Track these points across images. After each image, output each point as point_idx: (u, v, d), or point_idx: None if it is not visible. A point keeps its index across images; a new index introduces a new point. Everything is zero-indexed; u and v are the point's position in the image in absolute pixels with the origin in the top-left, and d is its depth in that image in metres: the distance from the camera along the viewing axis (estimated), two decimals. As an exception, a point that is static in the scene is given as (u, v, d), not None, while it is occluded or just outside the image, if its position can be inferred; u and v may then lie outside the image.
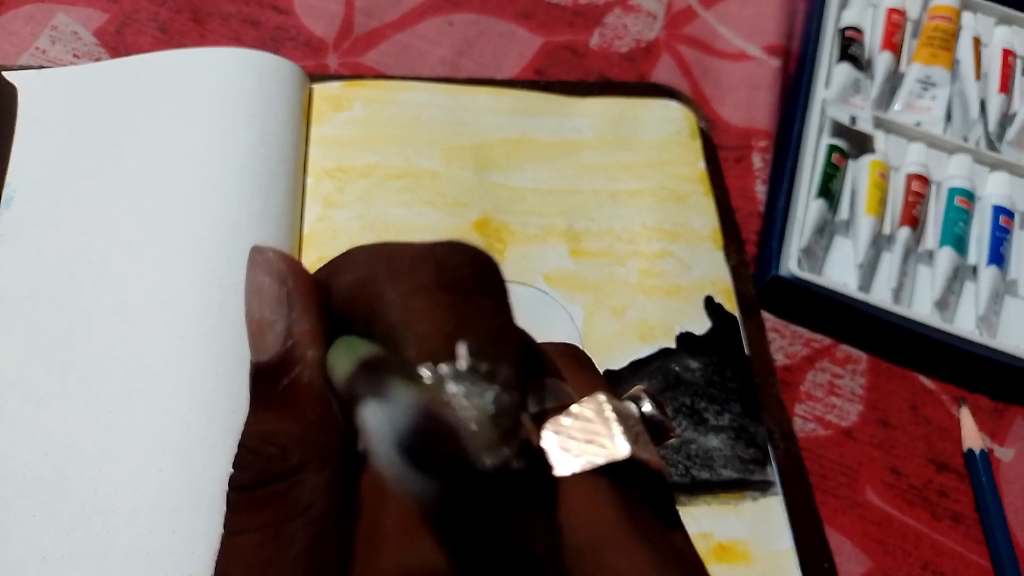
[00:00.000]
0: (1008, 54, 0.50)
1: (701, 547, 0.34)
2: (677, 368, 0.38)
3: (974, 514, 0.38)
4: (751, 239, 0.44)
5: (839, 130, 0.46)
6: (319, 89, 0.43)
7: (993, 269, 0.42)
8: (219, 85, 0.39)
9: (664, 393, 0.38)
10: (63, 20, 0.44)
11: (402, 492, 0.11)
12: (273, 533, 0.14)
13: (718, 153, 0.46)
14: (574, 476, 0.15)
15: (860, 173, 0.45)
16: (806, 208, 0.43)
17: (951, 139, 0.47)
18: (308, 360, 0.15)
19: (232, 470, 0.16)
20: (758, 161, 0.47)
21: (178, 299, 0.33)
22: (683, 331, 0.39)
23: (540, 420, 0.16)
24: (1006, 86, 0.49)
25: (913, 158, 0.46)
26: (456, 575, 0.13)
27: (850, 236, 0.44)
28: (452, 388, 0.13)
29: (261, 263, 0.16)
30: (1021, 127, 0.48)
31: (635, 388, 0.18)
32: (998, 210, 0.44)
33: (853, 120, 0.46)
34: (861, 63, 0.48)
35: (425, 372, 0.14)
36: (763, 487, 0.36)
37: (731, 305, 0.41)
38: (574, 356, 0.19)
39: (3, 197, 0.36)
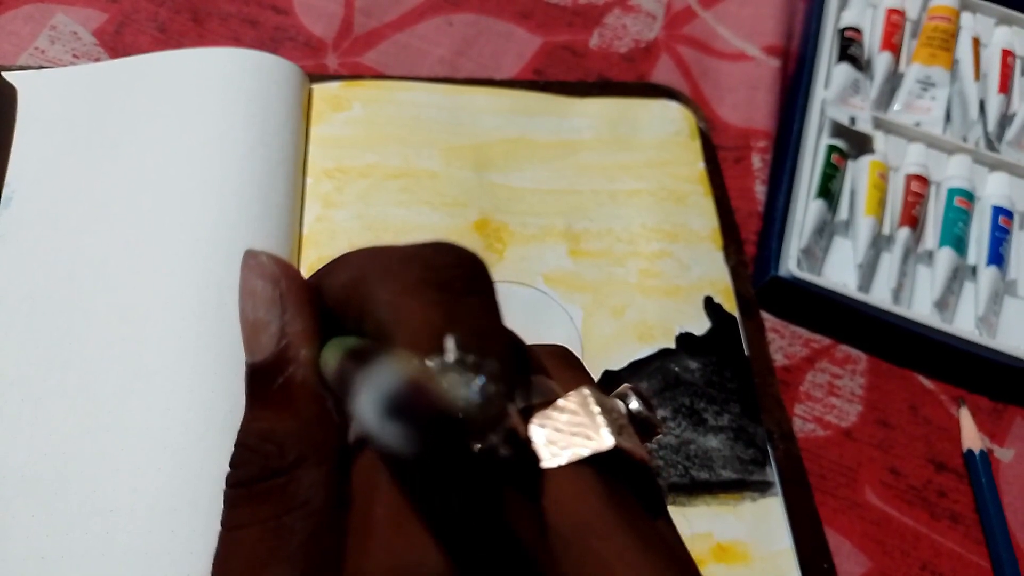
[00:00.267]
0: (1007, 54, 0.50)
1: (701, 547, 0.35)
2: (676, 368, 0.38)
3: (973, 514, 0.38)
4: (750, 239, 0.44)
5: (838, 130, 0.46)
6: (318, 89, 0.43)
7: (992, 269, 0.42)
8: (218, 85, 0.39)
9: (663, 393, 0.38)
10: (62, 20, 0.44)
11: (388, 450, 0.11)
12: (272, 527, 0.15)
13: (717, 153, 0.46)
14: (560, 467, 0.15)
15: (859, 173, 0.45)
16: (805, 208, 0.43)
17: (950, 139, 0.47)
18: (302, 359, 0.16)
19: (230, 468, 0.16)
20: (757, 161, 0.47)
21: (177, 299, 0.33)
22: (682, 331, 0.39)
23: (527, 415, 0.16)
24: (1005, 86, 0.49)
25: (912, 158, 0.46)
26: (445, 563, 0.13)
27: (849, 236, 0.44)
28: (439, 378, 0.14)
29: (254, 266, 0.16)
30: (1020, 127, 0.48)
31: (623, 386, 0.18)
32: (997, 210, 0.44)
33: (852, 120, 0.46)
34: (860, 63, 0.48)
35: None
36: (762, 487, 0.36)
37: (730, 305, 0.41)
38: (562, 356, 0.19)
39: (2, 197, 0.36)
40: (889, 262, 0.43)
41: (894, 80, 0.50)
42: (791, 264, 0.41)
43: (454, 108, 0.44)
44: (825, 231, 0.43)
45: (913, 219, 0.43)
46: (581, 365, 0.19)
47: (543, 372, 0.17)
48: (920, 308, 0.42)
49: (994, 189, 0.46)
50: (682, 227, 0.43)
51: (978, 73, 0.49)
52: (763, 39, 0.51)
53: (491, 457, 0.13)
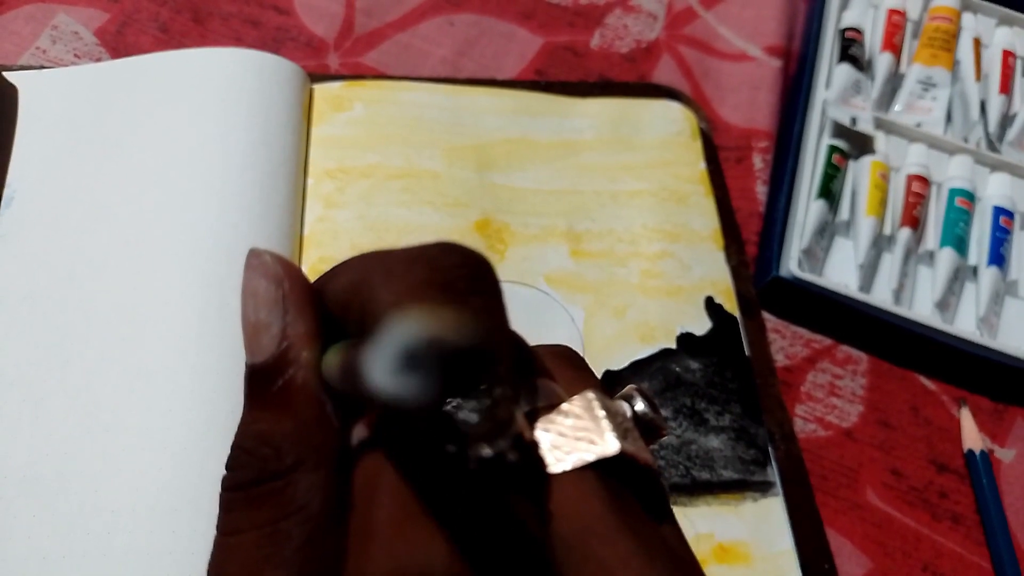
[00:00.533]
0: (1008, 55, 0.50)
1: (701, 548, 0.35)
2: (678, 369, 0.38)
3: (975, 515, 0.38)
4: (751, 240, 0.44)
5: (839, 131, 0.46)
6: (320, 89, 0.43)
7: (993, 270, 0.42)
8: (220, 85, 0.39)
9: (664, 394, 0.38)
10: (64, 20, 0.44)
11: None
12: (269, 532, 0.15)
13: (719, 154, 0.46)
14: (564, 471, 0.15)
15: (861, 174, 0.45)
16: (807, 209, 0.43)
17: (951, 140, 0.47)
18: (302, 361, 0.16)
19: (226, 471, 0.16)
20: (759, 162, 0.47)
21: (178, 299, 0.33)
22: (684, 332, 0.39)
23: (531, 419, 0.16)
24: (1006, 87, 0.49)
25: (914, 159, 0.46)
26: (448, 567, 0.13)
27: (851, 237, 0.44)
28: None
29: (257, 266, 0.16)
30: (1021, 128, 0.48)
31: (628, 387, 0.18)
32: (998, 211, 0.44)
33: (854, 121, 0.46)
34: (861, 64, 0.48)
35: None
36: (763, 488, 0.36)
37: (731, 306, 0.41)
38: (567, 357, 0.19)
39: (4, 197, 0.36)
40: (890, 262, 0.43)
41: (895, 80, 0.50)
42: (792, 264, 0.41)
43: (456, 108, 0.44)
44: (826, 231, 0.43)
45: (914, 219, 0.43)
46: (586, 365, 0.19)
47: (547, 374, 0.17)
48: (921, 308, 0.42)
49: (995, 190, 0.46)
50: (683, 227, 0.43)
51: (979, 74, 0.49)
52: (764, 39, 0.51)
53: (499, 463, 0.13)
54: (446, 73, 0.47)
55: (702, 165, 0.45)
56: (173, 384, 0.31)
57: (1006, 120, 0.49)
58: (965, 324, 0.42)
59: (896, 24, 0.51)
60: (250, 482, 0.15)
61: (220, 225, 0.35)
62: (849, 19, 0.50)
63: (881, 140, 0.46)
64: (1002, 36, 0.52)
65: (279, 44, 0.46)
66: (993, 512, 0.37)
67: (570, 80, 0.48)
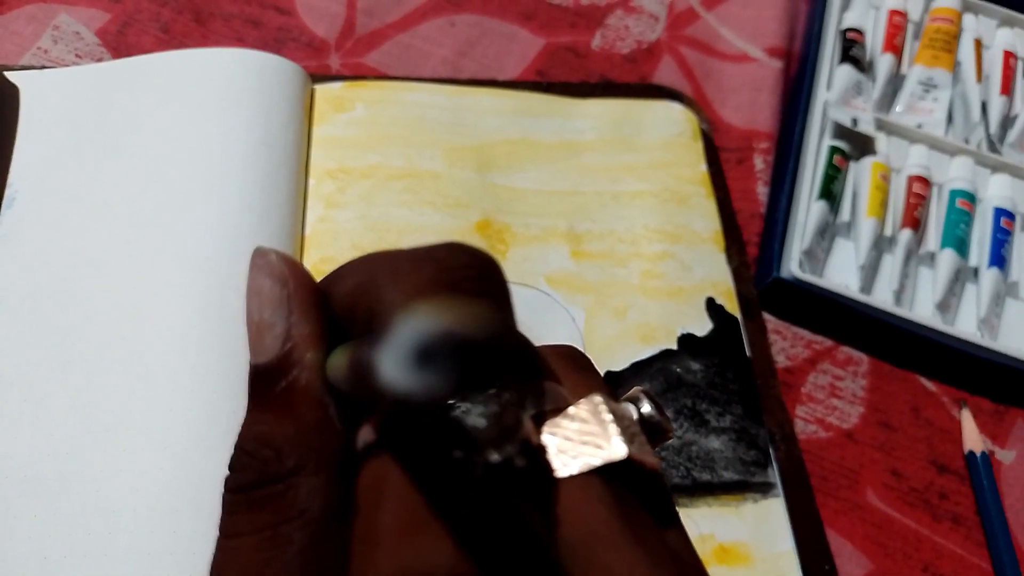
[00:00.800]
0: (1009, 56, 0.50)
1: (702, 549, 0.35)
2: (678, 369, 0.38)
3: (975, 516, 0.38)
4: (752, 241, 0.44)
5: (840, 132, 0.46)
6: (321, 90, 0.43)
7: (994, 271, 0.42)
8: (221, 86, 0.39)
9: (665, 395, 0.38)
10: (65, 20, 0.44)
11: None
12: (270, 535, 0.15)
13: (720, 155, 0.46)
14: (569, 476, 0.15)
15: (861, 175, 0.45)
16: (807, 210, 0.43)
17: (952, 141, 0.47)
18: (306, 363, 0.15)
19: (228, 472, 0.16)
20: (759, 163, 0.47)
21: (179, 299, 0.33)
22: (684, 332, 0.39)
23: (538, 422, 0.16)
24: (1007, 88, 0.49)
25: (914, 160, 0.46)
26: (453, 570, 0.13)
27: (851, 238, 0.44)
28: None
29: (263, 265, 0.16)
30: (1022, 129, 0.48)
31: (634, 389, 0.18)
32: (999, 212, 0.44)
33: (854, 122, 0.46)
34: (862, 65, 0.48)
35: None
36: (764, 489, 0.36)
37: (732, 307, 0.41)
38: (573, 358, 0.19)
39: (5, 197, 0.36)
40: (891, 264, 0.43)
41: (896, 82, 0.50)
42: (793, 265, 0.41)
43: (457, 109, 0.44)
44: (827, 232, 0.43)
45: (915, 221, 0.43)
46: (591, 366, 0.19)
47: (553, 376, 0.17)
48: (922, 310, 0.42)
49: (996, 191, 0.46)
50: (684, 228, 0.43)
51: (980, 75, 0.49)
52: (765, 40, 0.51)
53: (506, 468, 0.13)
54: (447, 74, 0.47)
55: (703, 166, 0.45)
56: (174, 384, 0.31)
57: (1007, 121, 0.49)
58: (966, 325, 0.42)
59: (897, 25, 0.51)
60: (251, 484, 0.15)
61: (221, 225, 0.35)
62: (850, 20, 0.50)
63: (882, 141, 0.46)
64: (1003, 37, 0.52)
65: (280, 44, 0.46)
66: (993, 513, 0.37)
67: (571, 81, 0.48)
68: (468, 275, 0.15)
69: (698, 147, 0.46)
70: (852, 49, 0.49)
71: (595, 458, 0.15)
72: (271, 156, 0.38)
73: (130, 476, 0.30)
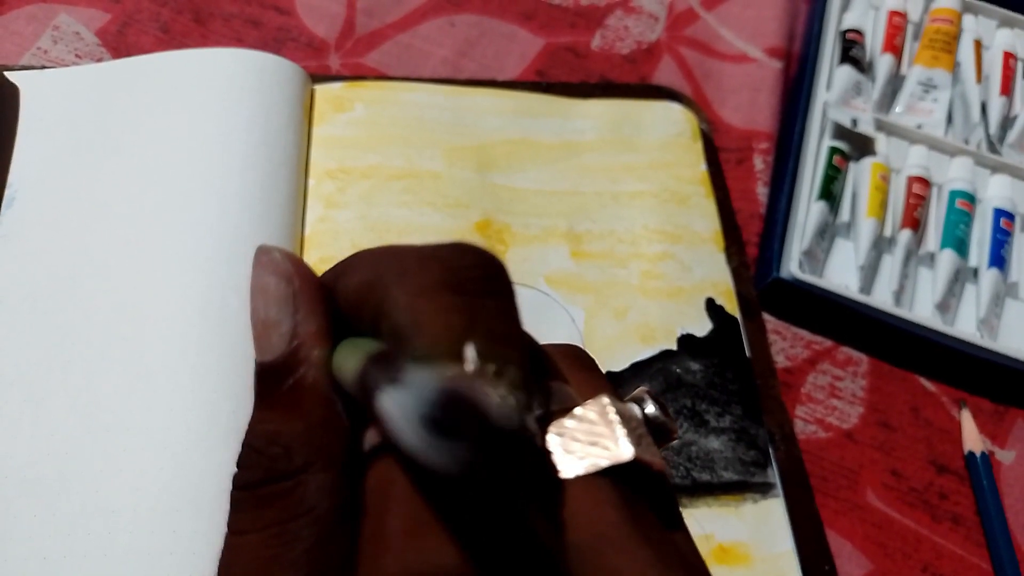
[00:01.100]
0: (1009, 57, 0.50)
1: (702, 549, 0.34)
2: (678, 370, 0.38)
3: (975, 516, 0.38)
4: (752, 241, 0.44)
5: (840, 132, 0.46)
6: (321, 90, 0.43)
7: (994, 272, 0.42)
8: (221, 86, 0.39)
9: (665, 395, 0.38)
10: (65, 20, 0.44)
11: (432, 467, 0.11)
12: (277, 532, 0.15)
13: (719, 155, 0.46)
14: (577, 477, 0.15)
15: (861, 175, 0.45)
16: (807, 210, 0.43)
17: (952, 142, 0.47)
18: (313, 360, 0.15)
19: (236, 469, 0.16)
20: (759, 163, 0.47)
21: (179, 299, 0.33)
22: (684, 333, 0.39)
23: (544, 422, 0.16)
24: (1007, 89, 0.49)
25: (914, 160, 0.46)
26: (459, 572, 0.13)
27: (851, 238, 0.44)
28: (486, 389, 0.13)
29: (267, 263, 0.16)
30: (1022, 130, 0.48)
31: (638, 390, 0.18)
32: (999, 213, 0.44)
33: (854, 122, 0.46)
34: (862, 65, 0.48)
35: None
36: (764, 489, 0.36)
37: (732, 307, 0.41)
38: (577, 358, 0.19)
39: (5, 197, 0.36)
40: (890, 264, 0.43)
41: (896, 82, 0.50)
42: (793, 266, 0.41)
43: (456, 109, 0.44)
44: (827, 233, 0.43)
45: (915, 221, 0.43)
46: (595, 366, 0.19)
47: (559, 376, 0.17)
48: (921, 310, 0.42)
49: (995, 191, 0.46)
50: (684, 228, 0.43)
51: (980, 75, 0.49)
52: (765, 41, 0.51)
53: (511, 468, 0.13)
54: (447, 74, 0.47)
55: (703, 166, 0.45)
56: (174, 384, 0.31)
57: (1007, 122, 0.49)
58: (965, 326, 0.42)
59: (897, 26, 0.51)
60: (259, 482, 0.15)
61: (221, 225, 0.35)
62: (850, 21, 0.50)
63: (882, 142, 0.46)
64: (1003, 38, 0.52)
65: (280, 45, 0.46)
66: (993, 513, 0.37)
67: (571, 81, 0.48)
68: (474, 276, 0.15)
69: (698, 147, 0.46)
70: (852, 50, 0.49)
71: (602, 459, 0.15)
72: (271, 156, 0.38)
73: (130, 476, 0.30)
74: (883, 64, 0.49)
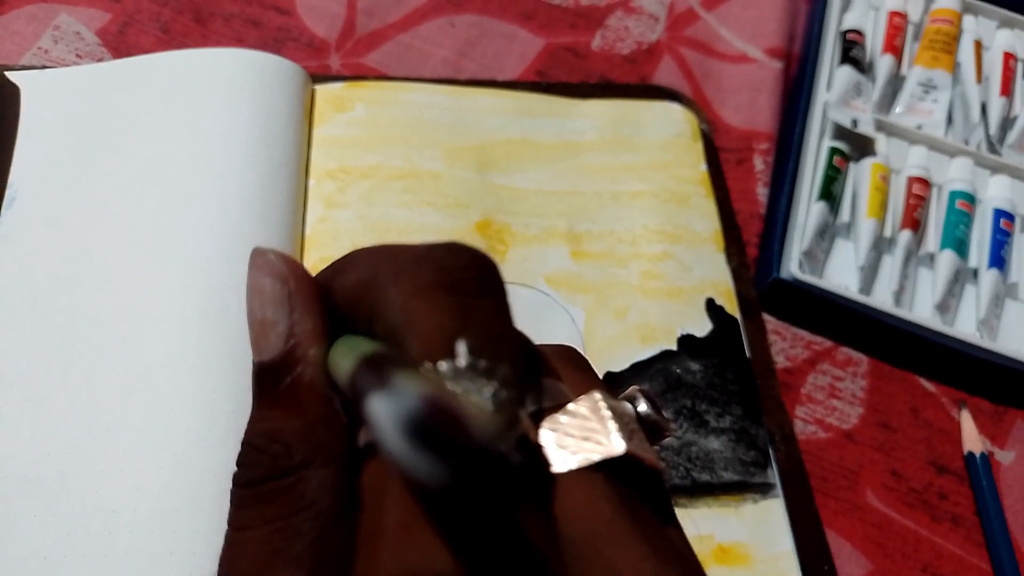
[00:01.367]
0: (1009, 57, 0.50)
1: (702, 549, 0.35)
2: (678, 370, 0.38)
3: (974, 517, 0.38)
4: (752, 241, 0.44)
5: (840, 133, 0.46)
6: (321, 90, 0.43)
7: (994, 272, 0.43)
8: (221, 86, 0.39)
9: (665, 395, 0.38)
10: (65, 20, 0.44)
11: (411, 478, 0.11)
12: (279, 527, 0.15)
13: (719, 155, 0.46)
14: (571, 473, 0.15)
15: (861, 176, 0.45)
16: (807, 211, 0.43)
17: (952, 142, 0.47)
18: (310, 359, 0.16)
19: (237, 467, 0.16)
20: (759, 163, 0.47)
21: (180, 299, 0.33)
22: (684, 333, 0.39)
23: (537, 419, 0.16)
24: (1007, 89, 0.49)
25: (914, 161, 0.46)
26: (456, 570, 0.13)
27: (851, 239, 0.44)
28: (451, 385, 0.14)
29: (262, 264, 0.16)
30: (1022, 130, 0.48)
31: (631, 388, 0.18)
32: (999, 213, 0.44)
33: (854, 123, 0.46)
34: (862, 66, 0.48)
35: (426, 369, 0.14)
36: (764, 489, 0.36)
37: (732, 307, 0.41)
38: (571, 358, 0.19)
39: (5, 197, 0.36)
40: (890, 264, 0.43)
41: (896, 83, 0.50)
42: (793, 266, 0.41)
43: (457, 109, 0.44)
44: (827, 233, 0.43)
45: (915, 222, 0.43)
46: (589, 366, 0.19)
47: (552, 374, 0.17)
48: (921, 311, 0.42)
49: (995, 192, 0.46)
50: (684, 229, 0.43)
51: (980, 76, 0.49)
52: (765, 41, 0.51)
53: (503, 464, 0.13)
54: (447, 74, 0.47)
55: (703, 167, 0.45)
56: (174, 384, 0.31)
57: (1007, 122, 0.49)
58: (965, 326, 0.42)
59: (897, 26, 0.51)
60: (260, 479, 0.15)
61: (221, 225, 0.35)
62: (850, 21, 0.50)
63: (882, 142, 0.46)
64: (1003, 38, 0.52)
65: (280, 45, 0.46)
66: (993, 514, 0.38)
67: (571, 81, 0.48)
68: (468, 276, 0.16)
69: (698, 148, 0.46)
70: (852, 50, 0.49)
71: (595, 454, 0.15)
72: (271, 156, 0.38)
73: (130, 476, 0.30)
74: (883, 65, 0.49)
